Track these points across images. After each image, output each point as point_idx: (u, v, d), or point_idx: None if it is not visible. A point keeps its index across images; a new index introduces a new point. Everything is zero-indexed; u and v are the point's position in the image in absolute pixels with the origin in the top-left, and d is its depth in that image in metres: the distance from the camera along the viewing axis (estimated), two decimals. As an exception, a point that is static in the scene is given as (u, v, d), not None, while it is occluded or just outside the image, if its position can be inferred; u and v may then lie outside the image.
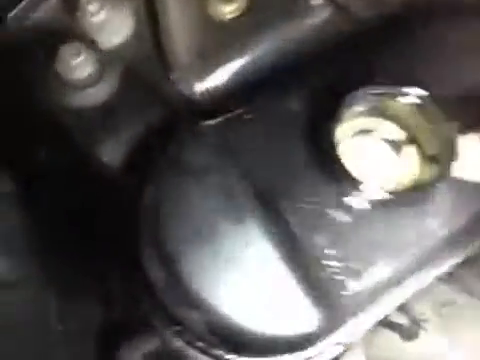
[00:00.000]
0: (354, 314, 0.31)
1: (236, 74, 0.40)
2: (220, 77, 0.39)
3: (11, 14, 0.38)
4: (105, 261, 0.36)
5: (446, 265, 0.35)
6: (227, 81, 0.39)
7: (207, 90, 0.39)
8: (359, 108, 0.33)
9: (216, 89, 0.39)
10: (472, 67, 0.36)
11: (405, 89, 0.32)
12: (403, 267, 0.33)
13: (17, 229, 0.40)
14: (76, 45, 0.34)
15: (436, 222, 0.33)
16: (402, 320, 0.38)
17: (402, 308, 0.37)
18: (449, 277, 0.38)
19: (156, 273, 0.29)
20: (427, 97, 0.32)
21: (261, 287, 0.30)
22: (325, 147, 0.32)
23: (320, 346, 0.30)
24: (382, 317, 0.34)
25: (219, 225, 0.30)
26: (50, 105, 0.34)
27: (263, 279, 0.30)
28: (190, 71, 0.39)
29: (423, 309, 0.39)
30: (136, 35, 0.39)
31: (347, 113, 0.32)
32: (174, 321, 0.31)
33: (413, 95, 0.32)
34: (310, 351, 0.30)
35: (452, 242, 0.34)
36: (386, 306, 0.33)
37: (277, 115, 0.34)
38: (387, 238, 0.32)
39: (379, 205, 0.32)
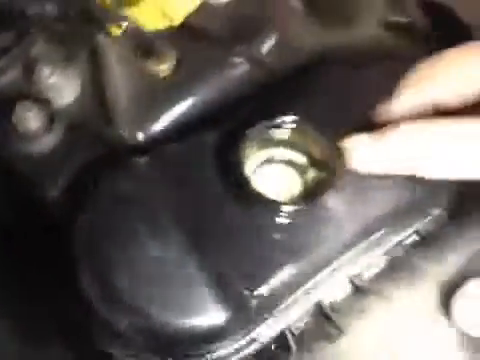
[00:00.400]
0: (262, 315, 0.37)
1: (169, 120, 0.47)
2: (156, 124, 0.46)
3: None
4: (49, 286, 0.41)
5: (351, 268, 0.41)
6: (162, 127, 0.46)
7: (144, 135, 0.46)
8: (258, 141, 0.39)
9: (152, 134, 0.46)
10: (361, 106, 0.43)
11: (283, 118, 0.39)
12: (308, 270, 0.39)
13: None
14: (28, 103, 0.42)
15: (333, 227, 0.39)
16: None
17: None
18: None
19: (90, 291, 0.35)
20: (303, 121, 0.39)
21: (178, 291, 0.35)
22: (237, 178, 0.38)
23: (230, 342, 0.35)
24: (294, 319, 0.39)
25: (146, 248, 0.36)
26: (5, 151, 0.41)
27: (180, 285, 0.35)
28: (129, 120, 0.46)
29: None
30: (83, 94, 0.46)
31: (249, 146, 0.39)
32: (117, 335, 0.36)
33: (290, 121, 0.39)
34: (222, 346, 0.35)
35: (350, 245, 0.40)
36: (296, 308, 0.39)
37: (199, 152, 0.41)
38: (290, 244, 0.38)
39: (283, 217, 0.38)
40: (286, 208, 0.38)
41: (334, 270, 0.40)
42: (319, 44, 0.51)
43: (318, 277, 0.39)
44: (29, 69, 0.45)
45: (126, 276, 0.35)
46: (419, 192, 0.42)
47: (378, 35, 0.55)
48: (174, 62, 0.47)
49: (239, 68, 0.49)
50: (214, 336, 0.35)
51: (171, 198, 0.38)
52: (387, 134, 0.37)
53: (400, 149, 0.37)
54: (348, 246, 0.40)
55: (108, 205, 0.36)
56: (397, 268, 0.44)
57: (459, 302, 0.40)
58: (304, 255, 0.39)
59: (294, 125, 0.40)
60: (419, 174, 0.37)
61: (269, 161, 0.41)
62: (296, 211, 0.38)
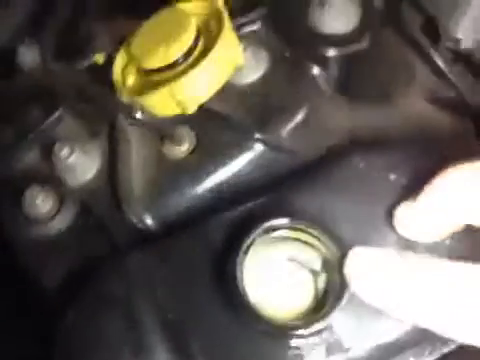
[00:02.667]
0: None
1: (181, 205, 0.45)
2: (166, 208, 0.45)
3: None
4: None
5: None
6: (173, 211, 0.45)
7: (153, 219, 0.45)
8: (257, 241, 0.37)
9: (162, 218, 0.45)
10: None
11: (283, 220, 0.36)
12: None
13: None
14: (37, 188, 0.42)
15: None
16: None
17: None
18: None
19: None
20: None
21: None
22: (230, 283, 0.35)
23: None
24: None
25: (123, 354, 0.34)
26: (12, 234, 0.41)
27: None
28: (140, 203, 0.45)
29: None
30: (98, 175, 0.47)
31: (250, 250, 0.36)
32: None
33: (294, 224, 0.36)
34: None
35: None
36: None
37: (196, 250, 0.38)
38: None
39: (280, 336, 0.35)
40: (290, 332, 0.34)
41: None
42: (348, 124, 0.49)
43: None
44: (48, 148, 0.46)
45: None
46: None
47: (419, 113, 0.52)
48: (192, 145, 0.46)
49: (257, 152, 0.47)
50: None
51: (160, 302, 0.36)
52: (405, 266, 0.32)
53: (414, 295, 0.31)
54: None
55: (91, 308, 0.35)
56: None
57: None
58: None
59: (300, 226, 0.37)
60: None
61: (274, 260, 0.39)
62: (301, 334, 0.34)
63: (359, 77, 0.52)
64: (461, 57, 0.54)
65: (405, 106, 0.52)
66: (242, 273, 0.35)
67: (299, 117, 0.48)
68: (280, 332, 0.34)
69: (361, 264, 0.33)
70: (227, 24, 0.43)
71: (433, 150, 0.43)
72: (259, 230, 0.36)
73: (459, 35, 0.54)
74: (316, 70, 0.50)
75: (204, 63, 0.42)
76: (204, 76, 0.42)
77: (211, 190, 0.46)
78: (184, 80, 0.42)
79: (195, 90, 0.43)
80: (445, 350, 0.38)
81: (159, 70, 0.45)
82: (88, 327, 0.35)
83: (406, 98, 0.52)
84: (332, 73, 0.51)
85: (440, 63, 0.54)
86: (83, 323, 0.35)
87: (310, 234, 0.38)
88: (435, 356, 0.38)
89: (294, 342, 0.34)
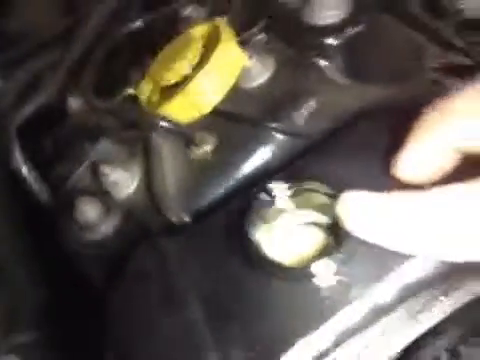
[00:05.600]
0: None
1: (213, 200, 0.50)
2: (200, 205, 0.50)
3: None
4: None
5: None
6: (206, 208, 0.50)
7: (191, 215, 0.49)
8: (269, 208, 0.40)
9: (198, 213, 0.49)
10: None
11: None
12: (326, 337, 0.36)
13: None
14: (87, 197, 0.49)
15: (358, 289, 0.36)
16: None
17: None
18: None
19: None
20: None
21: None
22: (252, 249, 0.38)
23: None
24: None
25: (163, 326, 0.38)
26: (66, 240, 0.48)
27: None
28: (176, 205, 0.50)
29: None
30: (140, 185, 0.53)
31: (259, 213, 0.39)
32: None
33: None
34: None
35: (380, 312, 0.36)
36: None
37: (223, 229, 0.42)
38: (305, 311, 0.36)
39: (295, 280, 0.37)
40: (303, 273, 0.37)
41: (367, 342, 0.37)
42: (359, 104, 0.51)
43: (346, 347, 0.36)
44: (94, 168, 0.53)
45: (142, 355, 0.37)
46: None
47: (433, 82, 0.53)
48: (213, 145, 0.51)
49: (275, 142, 0.51)
50: None
51: (193, 275, 0.40)
52: (391, 203, 0.33)
53: (403, 224, 0.32)
54: (383, 309, 0.37)
55: (131, 284, 0.40)
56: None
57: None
58: (326, 324, 0.36)
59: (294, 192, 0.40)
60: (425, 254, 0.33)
61: (289, 224, 0.41)
62: (312, 274, 0.36)
63: (366, 62, 0.55)
64: (467, 27, 0.55)
65: (416, 80, 0.53)
66: (253, 227, 0.38)
67: (311, 103, 0.51)
68: (298, 274, 0.36)
69: (353, 203, 0.34)
70: (225, 32, 0.49)
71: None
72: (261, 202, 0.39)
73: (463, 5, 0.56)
74: (322, 62, 0.54)
75: (207, 66, 0.48)
76: (210, 77, 0.48)
77: (236, 183, 0.50)
78: (193, 82, 0.48)
79: (205, 91, 0.49)
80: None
81: (176, 85, 0.51)
82: (127, 302, 0.39)
83: (417, 74, 0.54)
84: (337, 62, 0.54)
85: (448, 35, 0.55)
86: (124, 300, 0.40)
87: (320, 192, 0.40)
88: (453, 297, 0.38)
89: (312, 282, 0.36)
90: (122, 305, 0.39)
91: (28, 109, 0.59)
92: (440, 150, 0.34)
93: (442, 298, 0.38)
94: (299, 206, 0.42)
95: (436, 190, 0.31)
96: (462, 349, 0.41)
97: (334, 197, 0.38)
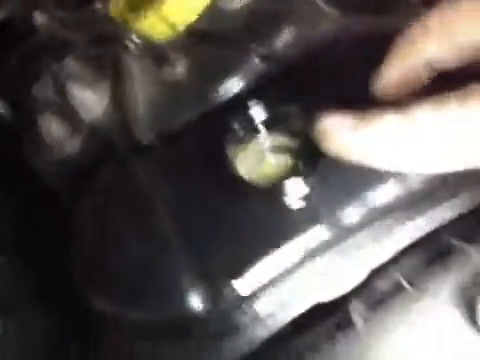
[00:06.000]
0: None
1: (182, 121, 0.48)
2: (170, 127, 0.48)
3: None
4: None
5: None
6: (175, 129, 0.48)
7: (160, 135, 0.48)
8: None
9: (167, 134, 0.48)
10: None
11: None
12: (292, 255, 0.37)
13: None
14: (52, 115, 0.47)
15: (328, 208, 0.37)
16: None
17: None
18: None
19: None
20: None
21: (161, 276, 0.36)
22: (225, 166, 0.38)
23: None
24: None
25: (133, 235, 0.38)
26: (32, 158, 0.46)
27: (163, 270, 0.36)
28: (146, 125, 0.48)
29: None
30: (109, 105, 0.51)
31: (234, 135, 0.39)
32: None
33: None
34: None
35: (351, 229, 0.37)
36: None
37: (195, 150, 0.42)
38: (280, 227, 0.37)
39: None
40: (274, 190, 0.36)
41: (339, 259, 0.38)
42: (341, 31, 0.49)
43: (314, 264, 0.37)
44: (61, 88, 0.50)
45: (108, 265, 0.37)
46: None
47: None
48: (187, 66, 0.49)
49: (251, 65, 0.49)
50: (193, 324, 0.35)
51: (163, 193, 0.39)
52: (370, 122, 0.32)
53: (383, 141, 0.31)
54: (349, 230, 0.37)
55: (99, 200, 0.39)
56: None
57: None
58: (296, 241, 0.37)
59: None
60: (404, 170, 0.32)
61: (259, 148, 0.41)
62: (281, 190, 0.36)
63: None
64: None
65: (401, 13, 0.52)
66: (228, 148, 0.38)
67: (291, 28, 0.50)
68: (269, 192, 0.36)
69: (330, 122, 0.33)
70: None
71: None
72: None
73: None
74: (307, -16, 0.52)
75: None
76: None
77: (210, 106, 0.49)
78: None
79: (180, 8, 0.46)
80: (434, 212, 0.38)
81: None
82: (96, 218, 0.39)
83: (402, 7, 0.52)
84: (322, -13, 0.52)
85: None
86: (91, 215, 0.39)
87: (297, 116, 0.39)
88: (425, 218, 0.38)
89: (282, 202, 0.36)
90: (89, 220, 0.39)
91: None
92: (420, 66, 0.34)
93: (408, 223, 0.39)
94: (274, 129, 0.41)
95: (415, 105, 0.31)
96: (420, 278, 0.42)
97: (309, 120, 0.37)
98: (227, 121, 0.40)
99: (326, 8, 0.52)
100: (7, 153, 0.49)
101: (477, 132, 0.30)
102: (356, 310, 0.43)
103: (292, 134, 0.40)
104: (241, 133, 0.40)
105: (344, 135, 0.33)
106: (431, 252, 0.41)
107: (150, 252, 0.37)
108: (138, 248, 0.37)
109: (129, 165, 0.41)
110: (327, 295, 0.41)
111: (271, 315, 0.36)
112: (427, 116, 0.30)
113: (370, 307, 0.40)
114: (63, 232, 0.41)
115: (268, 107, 0.40)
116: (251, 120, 0.40)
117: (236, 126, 0.40)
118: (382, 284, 0.43)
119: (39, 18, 0.56)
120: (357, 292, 0.42)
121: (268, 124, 0.41)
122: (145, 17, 0.47)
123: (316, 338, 0.38)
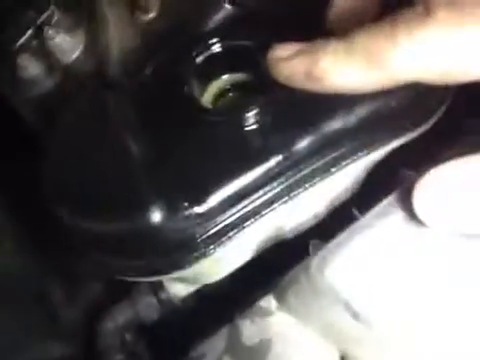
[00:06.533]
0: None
1: (156, 63, 0.51)
2: (143, 67, 0.51)
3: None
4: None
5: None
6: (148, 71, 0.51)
7: (133, 78, 0.50)
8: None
9: (140, 76, 0.50)
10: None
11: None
12: (255, 183, 0.39)
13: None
14: (30, 54, 0.49)
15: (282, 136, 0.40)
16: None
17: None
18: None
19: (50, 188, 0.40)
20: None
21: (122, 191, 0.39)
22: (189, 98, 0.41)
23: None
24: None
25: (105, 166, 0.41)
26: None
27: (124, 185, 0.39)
28: (119, 67, 0.51)
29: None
30: (85, 51, 0.53)
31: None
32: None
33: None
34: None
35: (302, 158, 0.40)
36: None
37: (162, 83, 0.45)
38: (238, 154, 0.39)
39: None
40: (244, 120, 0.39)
41: (288, 188, 0.40)
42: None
43: (266, 193, 0.40)
44: (38, 31, 0.53)
45: (82, 192, 0.39)
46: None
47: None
48: (159, 10, 0.51)
49: (221, 10, 0.51)
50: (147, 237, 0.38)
51: (132, 121, 0.42)
52: (314, 48, 0.34)
53: (325, 68, 0.33)
54: (301, 159, 0.40)
55: (70, 125, 0.42)
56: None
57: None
58: (251, 166, 0.39)
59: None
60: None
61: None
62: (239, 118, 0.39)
63: None
64: None
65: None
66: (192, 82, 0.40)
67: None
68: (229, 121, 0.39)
69: (282, 52, 0.36)
70: None
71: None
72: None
73: None
74: None
75: None
76: None
77: (179, 45, 0.51)
78: None
79: None
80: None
81: None
82: (67, 142, 0.41)
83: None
84: None
85: None
86: (63, 139, 0.42)
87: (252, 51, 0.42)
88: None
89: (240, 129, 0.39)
90: (61, 144, 0.41)
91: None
92: None
93: (360, 154, 0.41)
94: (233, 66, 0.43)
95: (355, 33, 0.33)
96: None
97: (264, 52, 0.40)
98: (192, 58, 0.43)
99: None
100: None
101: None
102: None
103: (249, 69, 0.43)
104: (204, 69, 0.43)
105: (291, 63, 0.36)
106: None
107: (119, 179, 0.40)
108: (108, 173, 0.40)
109: (100, 94, 0.43)
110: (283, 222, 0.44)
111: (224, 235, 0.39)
112: (362, 43, 0.32)
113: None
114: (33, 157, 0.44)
115: (229, 45, 0.43)
116: (214, 57, 0.43)
117: (199, 62, 0.42)
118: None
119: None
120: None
121: (229, 61, 0.43)
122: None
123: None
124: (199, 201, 0.38)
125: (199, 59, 0.43)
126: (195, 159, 0.39)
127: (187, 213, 0.38)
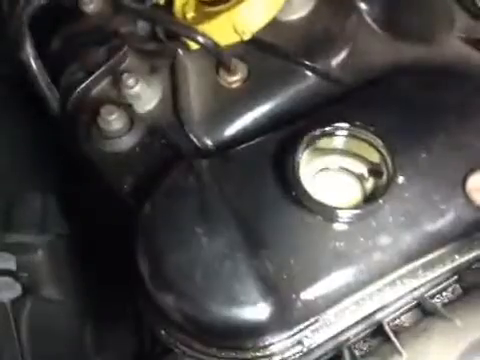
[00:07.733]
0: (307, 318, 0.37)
1: (237, 128, 0.49)
2: (223, 131, 0.49)
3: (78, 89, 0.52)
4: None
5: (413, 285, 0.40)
6: (229, 134, 0.49)
7: (212, 141, 0.49)
8: (315, 148, 0.41)
9: (220, 140, 0.49)
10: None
11: (336, 125, 0.40)
12: (359, 279, 0.39)
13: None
14: (112, 107, 0.47)
15: (389, 236, 0.39)
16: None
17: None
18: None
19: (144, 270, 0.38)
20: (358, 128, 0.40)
21: (225, 282, 0.37)
22: (293, 181, 0.39)
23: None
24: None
25: (198, 239, 0.39)
26: (90, 150, 0.47)
27: (226, 274, 0.37)
28: (200, 127, 0.49)
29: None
30: (163, 101, 0.51)
31: (305, 152, 0.40)
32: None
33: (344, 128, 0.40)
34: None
35: (408, 258, 0.39)
36: (346, 319, 0.39)
37: (260, 156, 0.43)
38: (343, 250, 0.38)
39: (338, 222, 0.39)
40: (340, 213, 0.38)
41: (391, 284, 0.40)
42: (392, 58, 0.52)
43: (371, 288, 0.39)
44: (117, 80, 0.50)
45: (176, 262, 0.38)
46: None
47: (458, 52, 0.54)
48: (245, 75, 0.50)
49: (307, 81, 0.50)
50: (256, 332, 0.36)
51: (229, 196, 0.40)
52: None
53: None
54: (406, 259, 0.39)
55: (167, 198, 0.40)
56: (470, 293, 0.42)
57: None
58: (356, 262, 0.38)
59: (348, 132, 0.40)
60: None
61: (327, 169, 0.42)
62: (350, 216, 0.38)
63: (402, 17, 0.55)
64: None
65: (445, 46, 0.54)
66: (299, 165, 0.39)
67: (346, 47, 0.51)
68: (333, 212, 0.38)
69: None
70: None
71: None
72: (317, 132, 0.40)
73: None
74: (362, 5, 0.53)
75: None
76: (259, 3, 0.46)
77: (263, 116, 0.50)
78: (242, 6, 0.46)
79: (251, 17, 0.47)
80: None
81: (215, 3, 0.49)
82: (164, 214, 0.39)
83: (446, 39, 0.54)
84: (376, 8, 0.54)
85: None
86: (160, 211, 0.40)
87: (362, 140, 0.41)
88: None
89: (346, 222, 0.38)
90: (157, 217, 0.39)
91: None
92: None
93: (456, 256, 0.41)
94: (345, 150, 0.42)
95: None
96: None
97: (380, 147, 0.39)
98: (297, 135, 0.41)
99: (379, 30, 0.54)
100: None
101: None
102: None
103: (359, 157, 0.42)
104: (313, 148, 0.41)
105: None
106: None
107: (217, 255, 0.38)
108: (206, 249, 0.38)
109: (196, 167, 0.42)
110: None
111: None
112: None
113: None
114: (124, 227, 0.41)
115: (348, 126, 0.41)
116: (325, 135, 0.41)
117: (308, 140, 0.41)
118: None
119: (93, 3, 0.55)
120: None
121: (343, 143, 0.42)
122: (216, 19, 0.47)
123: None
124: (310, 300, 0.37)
125: (304, 136, 0.41)
126: (295, 251, 0.38)
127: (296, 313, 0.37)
